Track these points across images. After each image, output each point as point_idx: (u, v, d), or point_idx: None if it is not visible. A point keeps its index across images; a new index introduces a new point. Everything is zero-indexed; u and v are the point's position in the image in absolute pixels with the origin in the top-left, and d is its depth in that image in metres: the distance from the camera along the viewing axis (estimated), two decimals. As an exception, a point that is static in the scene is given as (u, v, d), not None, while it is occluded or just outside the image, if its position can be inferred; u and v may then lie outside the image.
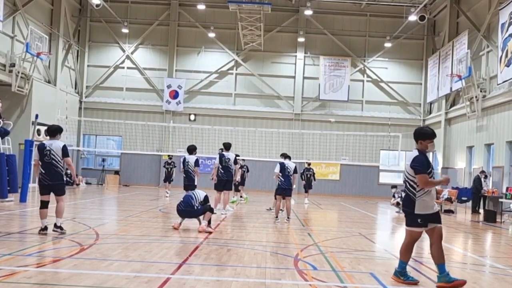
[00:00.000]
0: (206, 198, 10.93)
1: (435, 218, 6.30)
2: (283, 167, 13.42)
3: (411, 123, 30.55)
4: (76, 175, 27.33)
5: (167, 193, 21.60)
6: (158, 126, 28.83)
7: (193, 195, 10.88)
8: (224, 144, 14.77)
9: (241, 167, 17.88)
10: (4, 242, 8.09)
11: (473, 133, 23.91)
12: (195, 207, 10.68)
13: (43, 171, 9.01)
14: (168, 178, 21.84)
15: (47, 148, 8.97)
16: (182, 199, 11.00)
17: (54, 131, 9.19)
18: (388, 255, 9.15)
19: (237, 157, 15.31)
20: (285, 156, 14.17)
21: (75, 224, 10.83)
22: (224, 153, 14.40)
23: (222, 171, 14.24)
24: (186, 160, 13.79)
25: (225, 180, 14.24)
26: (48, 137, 9.35)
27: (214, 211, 11.58)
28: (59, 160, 9.07)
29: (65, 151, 9.12)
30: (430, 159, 6.81)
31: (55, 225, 9.14)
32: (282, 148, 25.32)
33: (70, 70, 29.91)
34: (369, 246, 10.07)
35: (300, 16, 30.78)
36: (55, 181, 9.08)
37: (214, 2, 30.10)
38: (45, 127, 25.10)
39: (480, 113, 22.58)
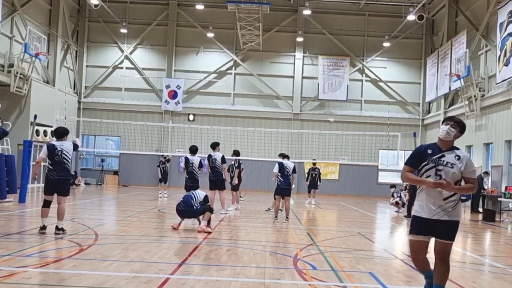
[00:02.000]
0: (206, 198, 10.92)
1: (433, 228, 5.09)
2: (282, 167, 13.40)
3: (410, 123, 30.60)
4: (76, 172, 27.86)
5: (165, 193, 21.51)
6: (157, 126, 28.80)
7: (192, 195, 10.87)
8: (210, 144, 14.66)
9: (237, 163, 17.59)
10: (3, 243, 8.09)
11: (472, 133, 23.92)
12: (195, 207, 10.67)
13: (52, 168, 9.38)
14: (165, 178, 21.72)
15: (58, 148, 9.40)
16: (182, 199, 10.99)
17: (61, 133, 9.67)
18: (388, 254, 9.15)
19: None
20: (283, 156, 14.15)
21: (74, 224, 10.82)
22: (211, 153, 14.35)
23: (210, 171, 14.25)
24: (190, 162, 13.54)
25: (214, 180, 14.21)
26: (54, 139, 9.81)
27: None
28: (70, 159, 9.59)
29: (75, 147, 9.85)
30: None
31: (57, 228, 9.25)
32: (281, 148, 25.31)
33: (68, 71, 29.89)
34: (369, 246, 10.07)
35: (298, 16, 30.78)
36: (61, 176, 9.38)
37: (213, 2, 30.10)
38: (44, 128, 25.20)
39: (478, 112, 22.60)
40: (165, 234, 10.08)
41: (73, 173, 28.46)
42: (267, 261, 7.56)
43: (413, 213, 5.28)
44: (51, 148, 9.32)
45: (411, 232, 5.21)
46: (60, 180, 9.34)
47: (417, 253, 5.22)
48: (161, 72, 31.06)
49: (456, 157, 5.14)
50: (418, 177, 5.17)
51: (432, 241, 5.20)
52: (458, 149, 5.24)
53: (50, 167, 9.39)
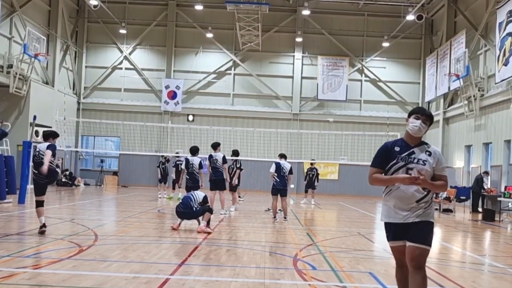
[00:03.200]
0: (205, 199, 10.92)
1: (406, 232, 4.53)
2: (278, 167, 13.39)
3: (409, 123, 30.56)
4: (71, 173, 27.88)
5: (165, 194, 21.48)
6: (157, 126, 28.81)
7: (192, 196, 10.86)
8: (211, 144, 14.65)
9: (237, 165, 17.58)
10: (2, 244, 8.08)
11: (471, 132, 23.94)
12: (194, 208, 10.66)
13: (36, 172, 9.40)
14: (165, 179, 21.70)
15: (37, 149, 9.56)
16: (181, 201, 10.98)
17: (46, 136, 9.77)
18: (387, 254, 9.13)
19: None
20: (281, 156, 14.13)
21: (74, 225, 10.82)
22: (212, 153, 14.36)
23: (211, 171, 14.26)
24: (190, 162, 13.48)
25: (214, 180, 14.21)
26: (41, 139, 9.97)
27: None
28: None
29: (49, 148, 9.49)
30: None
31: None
32: (281, 148, 25.31)
33: (68, 71, 29.87)
34: (368, 246, 10.07)
35: (298, 16, 30.79)
36: (49, 178, 9.49)
37: (212, 2, 30.09)
38: (43, 128, 25.29)
39: (478, 112, 22.60)
40: (164, 235, 10.08)
41: (68, 173, 28.50)
42: (266, 261, 7.55)
43: (382, 219, 4.72)
44: (35, 150, 9.59)
45: (388, 238, 4.69)
46: (48, 182, 9.59)
47: (402, 259, 4.62)
48: (160, 72, 31.05)
49: (427, 153, 4.59)
50: (388, 176, 4.59)
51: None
52: (427, 144, 4.71)
53: (34, 171, 9.46)
